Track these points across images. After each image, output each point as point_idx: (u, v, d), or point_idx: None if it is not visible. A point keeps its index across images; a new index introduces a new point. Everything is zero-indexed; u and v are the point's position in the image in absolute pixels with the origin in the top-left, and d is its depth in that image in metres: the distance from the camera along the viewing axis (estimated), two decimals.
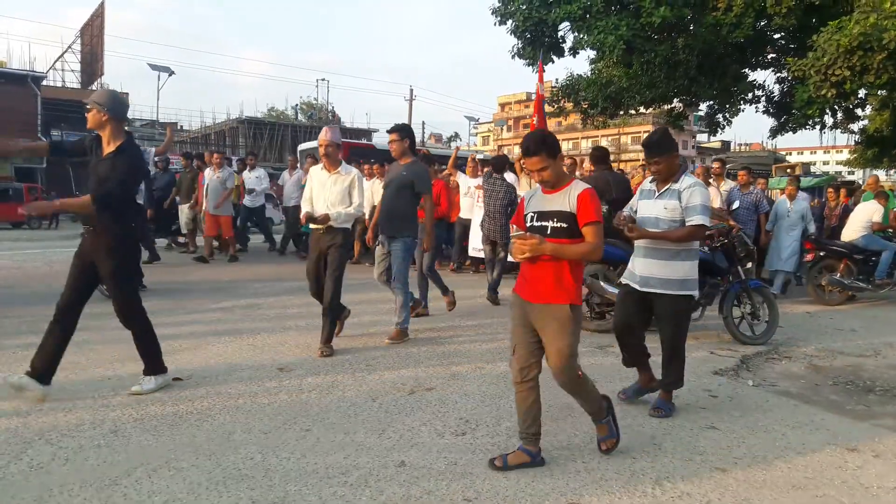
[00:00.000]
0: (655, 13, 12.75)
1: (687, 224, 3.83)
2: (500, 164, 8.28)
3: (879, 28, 9.62)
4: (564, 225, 3.05)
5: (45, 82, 31.25)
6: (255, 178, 12.09)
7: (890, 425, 4.03)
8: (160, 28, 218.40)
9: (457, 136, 61.03)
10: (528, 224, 3.17)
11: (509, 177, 8.89)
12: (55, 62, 34.24)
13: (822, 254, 8.94)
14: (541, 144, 3.06)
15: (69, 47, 34.49)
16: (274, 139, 38.06)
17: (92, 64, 33.51)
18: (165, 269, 9.68)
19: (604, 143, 61.58)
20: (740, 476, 3.16)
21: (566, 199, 3.08)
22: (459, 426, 3.66)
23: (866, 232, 8.92)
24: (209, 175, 10.75)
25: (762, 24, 13.83)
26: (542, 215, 3.12)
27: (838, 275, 8.75)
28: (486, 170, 9.88)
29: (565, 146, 65.81)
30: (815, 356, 5.79)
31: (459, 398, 4.18)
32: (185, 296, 7.50)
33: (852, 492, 3.04)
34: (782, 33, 14.73)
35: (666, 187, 3.95)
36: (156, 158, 11.25)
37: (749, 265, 6.40)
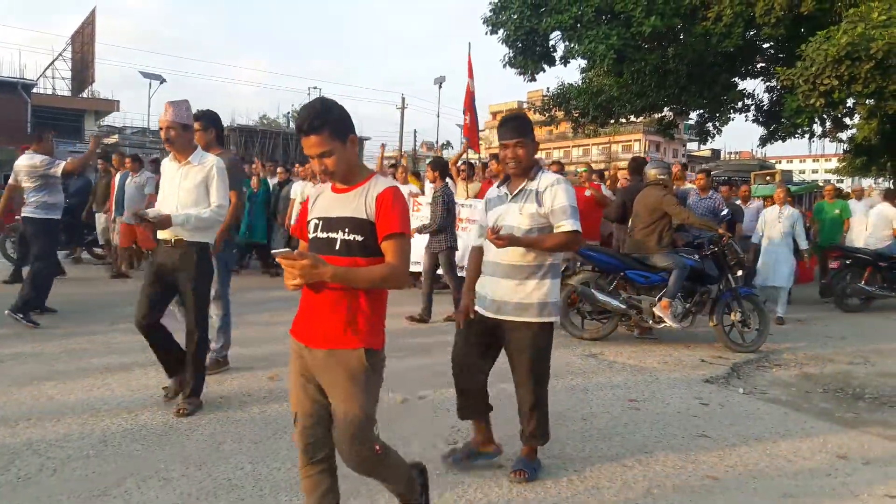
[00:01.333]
0: (646, 23, 12.87)
1: (557, 230, 3.00)
2: (440, 167, 7.29)
3: (867, 38, 9.75)
4: (360, 238, 2.16)
5: (35, 90, 31.07)
6: None
7: (879, 433, 4.06)
8: (152, 36, 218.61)
9: (448, 144, 61.07)
10: (311, 234, 2.27)
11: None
12: (45, 70, 34.02)
13: (847, 261, 8.95)
14: (321, 119, 2.12)
15: (60, 55, 34.28)
16: (265, 147, 38.02)
17: (83, 71, 33.35)
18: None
19: (594, 151, 61.73)
20: (731, 484, 3.17)
21: (362, 202, 2.19)
22: (451, 435, 3.66)
23: (890, 240, 8.93)
24: (127, 180, 9.56)
25: (751, 33, 14.00)
26: (330, 223, 2.21)
27: (863, 282, 8.79)
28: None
29: (556, 155, 65.09)
30: (806, 364, 5.82)
31: (451, 407, 4.13)
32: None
33: (842, 499, 3.06)
34: (771, 43, 14.91)
35: (520, 187, 3.10)
36: (74, 178, 9.82)
37: (739, 273, 6.44)
